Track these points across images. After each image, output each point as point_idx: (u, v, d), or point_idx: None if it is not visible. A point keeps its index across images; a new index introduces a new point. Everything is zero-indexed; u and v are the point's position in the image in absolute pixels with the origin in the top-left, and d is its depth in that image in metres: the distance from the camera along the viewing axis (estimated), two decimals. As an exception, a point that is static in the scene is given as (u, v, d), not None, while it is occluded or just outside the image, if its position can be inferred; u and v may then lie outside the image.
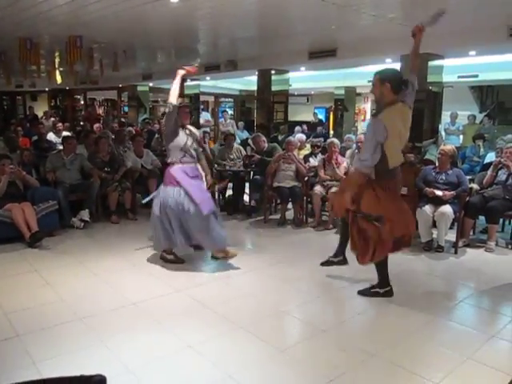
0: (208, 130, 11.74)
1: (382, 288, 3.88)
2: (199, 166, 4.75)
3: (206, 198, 4.49)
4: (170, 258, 4.68)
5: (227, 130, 11.17)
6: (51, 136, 9.85)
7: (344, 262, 4.52)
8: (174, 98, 4.41)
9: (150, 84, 12.70)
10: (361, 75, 10.89)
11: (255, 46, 7.07)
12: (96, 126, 10.40)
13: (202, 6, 4.65)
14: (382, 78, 3.49)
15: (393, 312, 3.74)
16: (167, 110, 4.54)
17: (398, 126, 3.50)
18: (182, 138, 4.54)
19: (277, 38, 6.25)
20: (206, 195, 4.56)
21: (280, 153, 6.66)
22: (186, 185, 4.42)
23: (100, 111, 17.68)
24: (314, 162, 6.95)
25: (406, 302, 3.91)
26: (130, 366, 2.80)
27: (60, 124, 10.68)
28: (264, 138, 7.39)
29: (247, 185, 7.34)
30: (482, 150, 8.38)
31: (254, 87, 9.17)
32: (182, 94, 10.73)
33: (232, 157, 7.32)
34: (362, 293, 3.92)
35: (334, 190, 6.25)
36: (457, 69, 8.61)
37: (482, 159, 8.03)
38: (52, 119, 13.57)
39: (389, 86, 3.47)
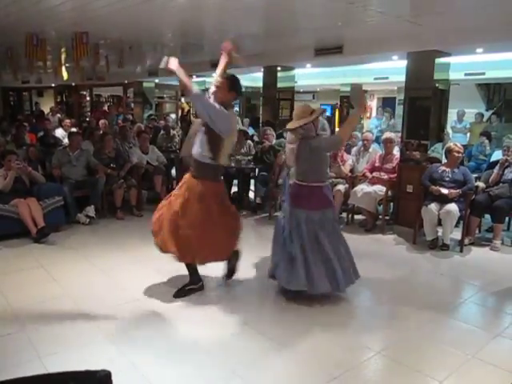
0: None
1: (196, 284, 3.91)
2: None
3: None
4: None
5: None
6: (59, 132, 9.86)
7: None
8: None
9: (156, 80, 12.68)
10: (367, 72, 10.82)
11: (261, 42, 7.05)
12: (101, 122, 10.38)
13: (209, 2, 4.63)
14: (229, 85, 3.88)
15: (397, 310, 3.74)
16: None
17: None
18: None
19: (283, 34, 6.22)
20: None
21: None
22: None
23: (105, 107, 17.68)
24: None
25: (410, 299, 3.91)
26: (135, 361, 2.82)
27: (68, 121, 10.70)
28: (273, 133, 7.41)
29: (252, 181, 7.36)
30: (487, 148, 8.33)
31: (260, 84, 9.13)
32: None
33: (242, 151, 7.29)
34: (177, 295, 3.81)
35: (339, 187, 6.25)
36: (464, 66, 8.54)
37: (488, 157, 7.99)
38: (58, 115, 13.60)
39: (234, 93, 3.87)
